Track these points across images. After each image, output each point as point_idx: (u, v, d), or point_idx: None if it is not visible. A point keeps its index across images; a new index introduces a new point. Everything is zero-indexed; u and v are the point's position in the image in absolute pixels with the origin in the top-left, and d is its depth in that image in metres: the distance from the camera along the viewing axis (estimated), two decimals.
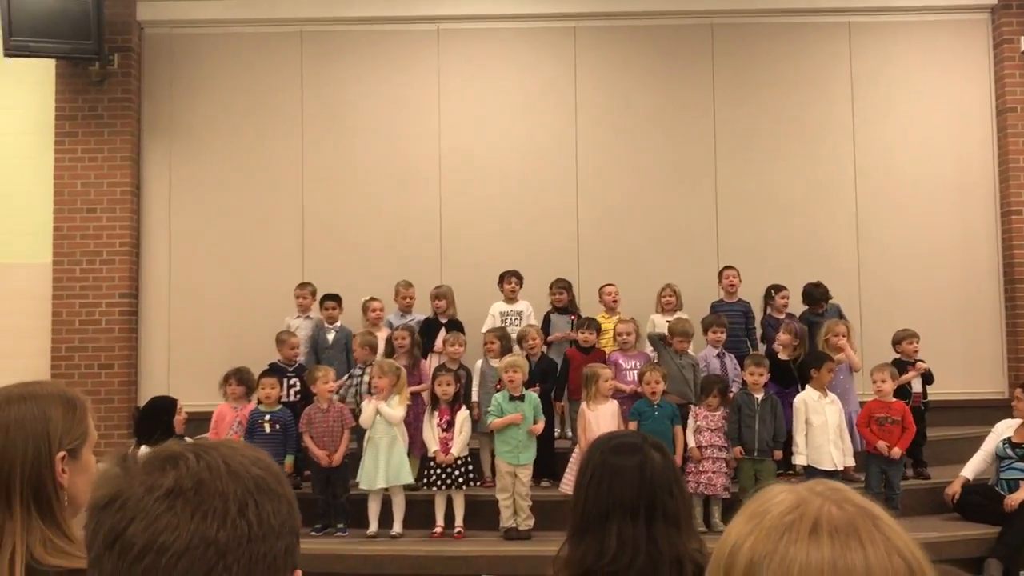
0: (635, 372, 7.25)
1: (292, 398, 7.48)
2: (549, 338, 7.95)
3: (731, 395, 7.12)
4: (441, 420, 6.93)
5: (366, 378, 7.28)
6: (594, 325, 7.71)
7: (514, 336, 7.78)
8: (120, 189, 8.87)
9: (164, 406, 6.42)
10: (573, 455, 6.83)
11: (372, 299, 8.20)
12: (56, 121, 8.91)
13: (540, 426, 6.89)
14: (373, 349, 7.60)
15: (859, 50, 9.18)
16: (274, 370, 7.36)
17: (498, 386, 7.11)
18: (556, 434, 7.65)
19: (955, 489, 6.89)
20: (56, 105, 8.93)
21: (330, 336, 8.13)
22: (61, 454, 1.82)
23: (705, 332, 7.63)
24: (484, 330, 7.83)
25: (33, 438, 1.80)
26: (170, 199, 9.11)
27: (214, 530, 1.06)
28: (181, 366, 8.87)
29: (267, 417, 6.92)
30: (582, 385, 6.96)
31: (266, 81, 9.20)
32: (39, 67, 8.80)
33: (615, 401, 6.92)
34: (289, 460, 6.86)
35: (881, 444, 6.75)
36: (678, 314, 7.97)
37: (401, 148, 9.12)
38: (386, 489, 6.82)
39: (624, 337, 7.55)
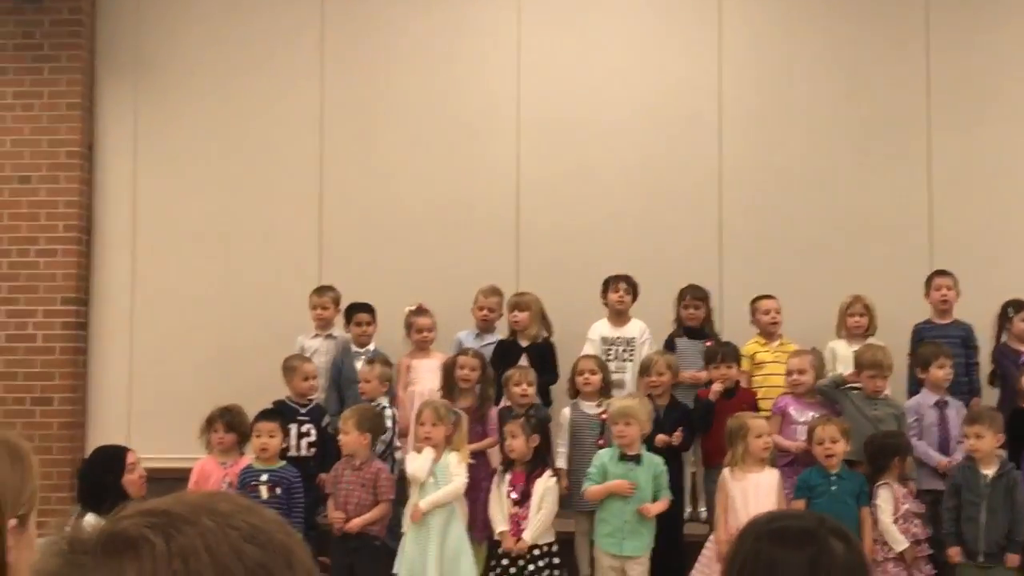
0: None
1: (304, 451, 7.52)
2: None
3: (949, 463, 6.92)
4: (514, 488, 6.87)
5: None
6: (734, 355, 7.70)
7: (624, 375, 7.71)
8: (66, 150, 9.00)
9: (110, 458, 6.21)
10: (707, 545, 6.84)
11: (420, 310, 8.21)
12: None
13: (660, 506, 6.83)
14: (388, 383, 7.62)
15: None
16: (278, 411, 7.37)
17: (600, 441, 7.04)
18: (686, 515, 7.57)
19: None
20: None
21: (360, 364, 8.14)
22: (12, 522, 1.84)
23: (924, 367, 7.49)
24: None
25: None
26: (135, 166, 9.22)
27: None
28: (147, 403, 8.93)
29: (264, 477, 6.92)
30: (725, 443, 6.89)
31: None
32: None
33: (774, 470, 6.80)
34: None
35: None
36: (870, 340, 7.89)
37: (462, 95, 9.18)
38: None
39: (796, 376, 7.45)
